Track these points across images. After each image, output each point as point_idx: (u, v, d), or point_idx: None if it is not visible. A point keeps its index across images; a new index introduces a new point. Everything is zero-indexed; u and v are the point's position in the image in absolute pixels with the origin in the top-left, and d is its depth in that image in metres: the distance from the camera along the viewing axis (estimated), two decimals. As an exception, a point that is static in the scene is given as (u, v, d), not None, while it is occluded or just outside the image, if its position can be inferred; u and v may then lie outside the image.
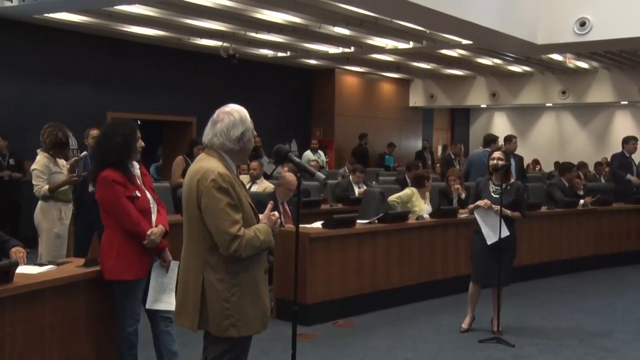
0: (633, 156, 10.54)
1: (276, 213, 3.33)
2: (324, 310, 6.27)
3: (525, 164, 12.15)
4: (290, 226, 6.32)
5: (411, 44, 12.00)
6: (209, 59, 12.74)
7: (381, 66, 15.60)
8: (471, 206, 6.13)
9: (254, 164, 8.56)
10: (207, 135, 3.25)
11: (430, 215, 7.57)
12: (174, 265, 4.13)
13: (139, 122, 11.44)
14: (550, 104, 18.12)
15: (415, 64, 15.38)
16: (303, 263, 6.02)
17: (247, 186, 7.48)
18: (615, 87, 16.28)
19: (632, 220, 9.82)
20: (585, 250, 9.22)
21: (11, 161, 9.62)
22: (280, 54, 13.51)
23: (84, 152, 6.79)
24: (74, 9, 9.46)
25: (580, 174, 10.48)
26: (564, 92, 16.82)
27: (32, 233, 6.31)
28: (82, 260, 4.30)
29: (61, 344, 3.85)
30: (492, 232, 5.86)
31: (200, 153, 3.34)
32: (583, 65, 15.52)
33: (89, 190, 5.93)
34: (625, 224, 9.74)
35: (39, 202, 6.06)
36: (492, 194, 5.97)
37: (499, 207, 5.79)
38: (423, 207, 7.78)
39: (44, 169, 5.99)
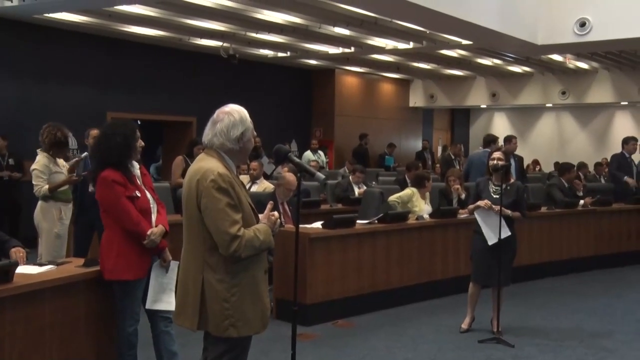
0: (633, 156, 10.55)
1: (276, 213, 3.33)
2: (323, 310, 6.27)
3: (525, 165, 12.15)
4: (290, 226, 6.32)
5: (411, 44, 12.00)
6: (209, 59, 12.74)
7: (381, 66, 15.60)
8: (471, 206, 6.13)
9: (254, 164, 8.56)
10: (207, 135, 3.25)
11: (430, 215, 7.57)
12: (174, 265, 4.13)
13: (139, 122, 11.44)
14: (550, 105, 18.12)
15: (415, 64, 15.38)
16: (303, 263, 6.02)
17: (247, 186, 7.49)
18: (615, 87, 16.28)
19: (632, 220, 9.82)
20: (585, 250, 9.22)
21: (10, 161, 9.62)
22: (280, 54, 13.51)
23: (85, 153, 6.80)
24: (74, 9, 9.46)
25: (580, 174, 10.48)
26: (564, 93, 16.82)
27: (32, 233, 6.31)
28: (82, 260, 4.30)
29: (61, 344, 3.85)
30: (493, 232, 5.86)
31: (200, 153, 3.34)
32: (583, 65, 15.52)
33: (89, 190, 5.93)
34: (625, 224, 9.75)
35: (39, 202, 6.06)
36: (492, 194, 5.97)
37: (499, 207, 5.79)
38: (423, 208, 7.77)
39: (44, 169, 6.00)
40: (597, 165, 13.56)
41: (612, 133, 17.97)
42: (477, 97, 18.01)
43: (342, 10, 9.31)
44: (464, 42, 11.37)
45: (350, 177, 10.09)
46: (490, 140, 9.91)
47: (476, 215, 6.01)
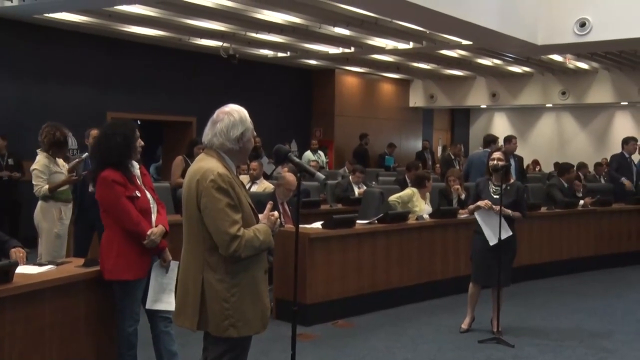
0: (633, 156, 10.55)
1: (276, 213, 3.33)
2: (323, 310, 6.27)
3: (525, 165, 12.15)
4: (290, 226, 6.32)
5: (411, 45, 12.00)
6: (209, 59, 12.74)
7: (381, 66, 15.60)
8: (471, 207, 6.12)
9: (254, 164, 8.56)
10: (207, 135, 3.25)
11: (430, 215, 7.57)
12: (174, 265, 4.13)
13: (138, 122, 11.45)
14: (550, 105, 18.11)
15: (415, 64, 15.38)
16: (303, 263, 6.02)
17: (247, 186, 7.49)
18: (615, 87, 16.28)
19: (632, 220, 9.82)
20: (585, 250, 9.22)
21: (10, 161, 9.62)
22: (280, 54, 13.50)
23: (85, 154, 6.81)
24: (74, 9, 9.46)
25: (580, 174, 10.49)
26: (564, 93, 16.82)
27: (32, 233, 6.31)
28: (82, 260, 4.30)
29: (61, 344, 3.85)
30: (493, 233, 5.86)
31: (200, 153, 3.35)
32: (583, 65, 15.52)
33: (89, 190, 5.93)
34: (625, 224, 9.75)
35: (39, 202, 6.07)
36: (492, 194, 5.97)
37: (499, 207, 5.79)
38: (423, 208, 7.77)
39: (44, 169, 6.00)
40: (597, 165, 13.56)
41: (612, 133, 17.97)
42: (477, 97, 18.01)
43: (342, 10, 9.31)
44: (464, 42, 11.37)
45: (350, 177, 10.09)
46: (490, 141, 9.91)
47: (477, 216, 6.01)
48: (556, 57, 14.16)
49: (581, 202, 9.26)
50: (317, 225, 6.60)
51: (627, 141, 10.51)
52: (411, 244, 7.16)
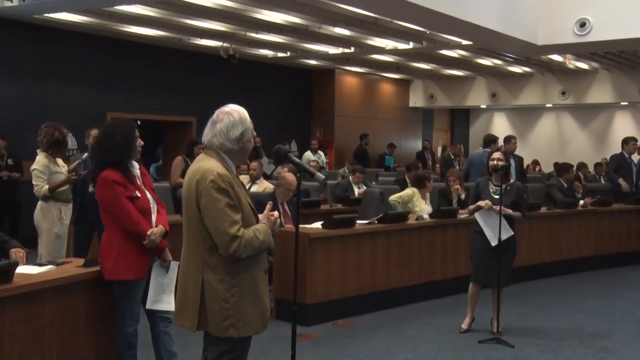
0: (633, 156, 10.55)
1: (275, 213, 3.32)
2: (323, 310, 6.27)
3: (525, 165, 12.15)
4: (290, 226, 6.31)
5: (411, 45, 12.00)
6: (209, 59, 12.74)
7: (381, 67, 15.60)
8: (471, 207, 6.12)
9: (254, 164, 8.55)
10: (207, 135, 3.25)
11: (430, 215, 7.57)
12: (174, 265, 4.13)
13: (138, 122, 11.45)
14: (550, 105, 18.12)
15: (415, 64, 15.38)
16: (303, 263, 6.02)
17: (247, 186, 7.48)
18: (615, 87, 16.28)
19: (632, 220, 9.82)
20: (585, 250, 9.22)
21: (9, 161, 9.62)
22: (280, 54, 13.50)
23: (85, 154, 6.81)
24: (74, 9, 9.46)
25: (580, 175, 10.49)
26: (563, 93, 16.82)
27: (32, 233, 6.31)
28: (82, 260, 4.30)
29: (61, 344, 3.85)
30: (494, 233, 5.86)
31: (200, 153, 3.34)
32: (583, 66, 15.52)
33: (89, 190, 5.93)
34: (625, 224, 9.75)
35: (39, 202, 6.07)
36: (492, 194, 5.97)
37: (499, 207, 5.79)
38: (423, 208, 7.77)
39: (44, 169, 6.00)
40: (597, 165, 13.55)
41: (612, 133, 17.97)
42: (477, 97, 18.01)
43: (342, 10, 9.31)
44: (464, 42, 11.37)
45: (350, 177, 10.09)
46: (490, 141, 9.91)
47: (477, 217, 6.01)
48: (556, 57, 14.16)
49: (581, 202, 9.26)
50: (317, 225, 6.60)
51: (626, 141, 10.51)
52: (411, 244, 7.16)
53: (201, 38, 11.54)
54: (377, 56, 13.75)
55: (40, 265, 4.11)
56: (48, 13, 9.60)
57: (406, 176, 9.76)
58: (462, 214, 7.45)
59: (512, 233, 5.92)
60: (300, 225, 4.37)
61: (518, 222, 6.18)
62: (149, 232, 4.00)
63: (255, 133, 3.39)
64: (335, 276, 6.41)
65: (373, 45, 12.23)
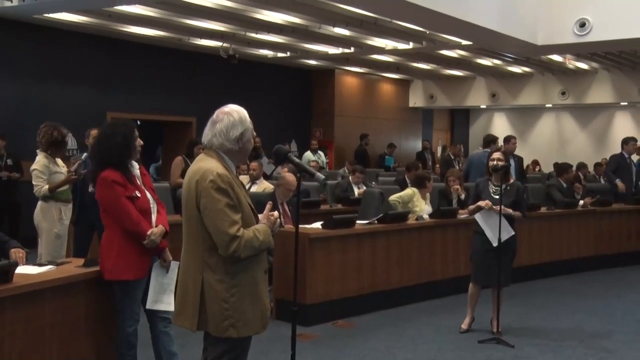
0: (633, 156, 10.55)
1: (275, 213, 3.32)
2: (323, 310, 6.27)
3: (525, 165, 12.14)
4: (289, 227, 6.32)
5: (411, 45, 12.00)
6: (209, 59, 12.74)
7: (381, 67, 15.60)
8: (472, 207, 6.12)
9: (254, 164, 8.55)
10: (207, 135, 3.25)
11: (430, 215, 7.57)
12: (174, 265, 4.13)
13: (138, 122, 11.45)
14: (550, 105, 18.12)
15: (415, 64, 15.39)
16: (302, 263, 6.02)
17: (247, 187, 7.48)
18: (615, 88, 16.28)
19: (632, 220, 9.83)
20: (585, 250, 9.22)
21: (9, 161, 9.62)
22: (280, 55, 13.51)
23: (85, 154, 6.81)
24: (74, 9, 9.46)
25: (580, 175, 10.49)
26: (563, 93, 16.82)
27: (32, 233, 6.31)
28: (82, 260, 4.30)
29: (61, 344, 3.85)
30: (495, 234, 5.86)
31: (200, 153, 3.34)
32: (583, 66, 15.52)
33: (89, 190, 5.92)
34: (625, 224, 9.75)
35: (39, 202, 6.07)
36: (492, 194, 5.97)
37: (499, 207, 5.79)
38: (424, 208, 7.77)
39: (44, 169, 6.00)
40: (597, 165, 13.56)
41: (611, 133, 17.97)
42: (477, 97, 18.01)
43: (342, 10, 9.31)
44: (464, 42, 11.37)
45: (350, 178, 10.09)
46: (490, 141, 9.91)
47: (477, 218, 6.00)
48: (556, 57, 14.16)
49: (581, 202, 9.26)
50: (317, 225, 6.60)
51: (626, 141, 10.51)
52: (411, 244, 7.16)
53: (201, 38, 11.54)
54: (377, 56, 13.75)
55: (40, 265, 4.11)
56: (48, 13, 9.60)
57: (406, 176, 9.76)
58: (462, 214, 7.45)
59: (513, 233, 5.91)
60: (300, 226, 4.37)
61: (518, 222, 6.18)
62: (149, 232, 4.00)
63: (255, 133, 3.39)
64: (335, 276, 6.41)
65: (373, 45, 12.23)
